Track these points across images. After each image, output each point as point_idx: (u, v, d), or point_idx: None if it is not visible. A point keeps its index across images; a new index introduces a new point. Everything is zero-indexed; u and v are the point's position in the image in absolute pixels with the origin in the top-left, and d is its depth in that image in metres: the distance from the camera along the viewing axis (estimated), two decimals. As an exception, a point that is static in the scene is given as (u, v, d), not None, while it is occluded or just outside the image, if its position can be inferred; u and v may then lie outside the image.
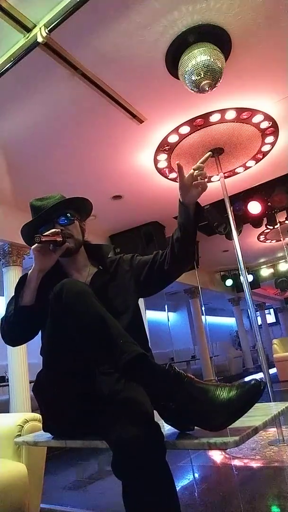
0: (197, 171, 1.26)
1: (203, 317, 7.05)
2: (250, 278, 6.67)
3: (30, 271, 1.24)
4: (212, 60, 2.09)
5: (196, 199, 1.28)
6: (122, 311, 1.27)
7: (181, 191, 1.27)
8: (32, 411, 2.64)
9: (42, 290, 1.23)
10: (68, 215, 1.36)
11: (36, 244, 1.20)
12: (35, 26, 1.94)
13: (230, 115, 2.79)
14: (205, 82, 2.12)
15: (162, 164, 3.32)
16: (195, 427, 1.01)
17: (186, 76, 2.16)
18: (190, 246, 1.32)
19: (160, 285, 1.40)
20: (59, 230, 1.27)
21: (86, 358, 1.08)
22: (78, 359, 1.09)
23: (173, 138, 2.98)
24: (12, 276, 3.67)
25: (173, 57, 2.20)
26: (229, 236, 4.32)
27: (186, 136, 2.97)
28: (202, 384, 0.97)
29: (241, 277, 3.02)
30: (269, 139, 3.18)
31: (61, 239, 1.25)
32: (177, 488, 0.97)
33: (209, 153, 1.36)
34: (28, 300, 1.21)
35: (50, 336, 1.15)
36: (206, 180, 1.27)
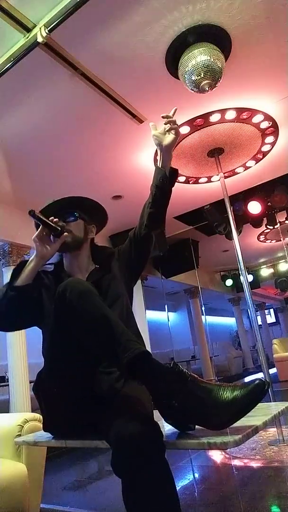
0: (166, 120, 1.38)
1: (203, 317, 7.04)
2: (250, 278, 6.67)
3: (31, 257, 1.30)
4: (212, 60, 2.09)
5: (173, 145, 1.39)
6: (115, 305, 1.29)
7: (158, 144, 1.38)
8: (32, 411, 2.64)
9: (41, 286, 1.29)
10: (75, 213, 1.41)
11: (37, 233, 1.28)
12: (35, 26, 1.94)
13: (230, 115, 2.79)
14: (205, 82, 2.12)
15: (162, 164, 3.31)
16: (195, 427, 1.01)
17: (186, 76, 2.16)
18: (163, 208, 1.41)
19: (141, 261, 1.46)
20: (58, 220, 1.33)
21: (88, 357, 1.08)
22: (80, 358, 1.09)
23: (173, 138, 2.98)
24: (12, 276, 3.67)
25: (173, 57, 2.20)
26: (229, 236, 4.32)
27: (186, 136, 2.97)
28: (206, 383, 0.98)
29: (241, 277, 3.02)
30: (269, 139, 3.18)
31: (59, 229, 1.30)
32: (177, 488, 0.97)
33: (175, 108, 1.46)
34: (22, 281, 1.25)
35: (53, 335, 1.16)
36: (176, 126, 1.38)
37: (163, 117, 1.39)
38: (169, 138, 1.38)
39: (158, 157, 1.42)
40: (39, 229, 1.29)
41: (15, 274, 1.27)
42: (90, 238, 1.47)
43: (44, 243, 1.29)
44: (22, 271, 1.27)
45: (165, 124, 1.39)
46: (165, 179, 1.37)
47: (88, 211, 1.47)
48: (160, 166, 1.40)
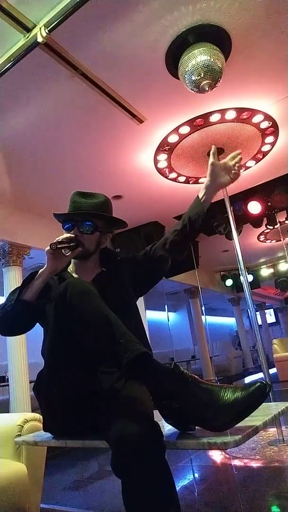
0: (237, 164, 1.31)
1: (203, 317, 7.05)
2: (250, 278, 6.67)
3: (41, 269, 1.28)
4: (212, 60, 2.09)
5: (225, 186, 1.35)
6: (123, 312, 1.26)
7: (211, 176, 1.33)
8: (32, 411, 2.64)
9: (48, 288, 1.28)
10: (90, 225, 1.36)
11: (49, 248, 1.25)
12: (35, 26, 1.94)
13: (230, 115, 2.79)
14: (205, 82, 2.12)
15: (162, 164, 3.32)
16: (195, 427, 1.01)
17: (186, 76, 2.16)
18: (189, 240, 1.38)
19: (152, 278, 1.45)
20: (73, 236, 1.32)
21: (88, 357, 1.08)
22: (80, 358, 1.09)
23: (173, 138, 2.98)
24: (12, 276, 3.67)
25: (173, 57, 2.20)
26: (229, 236, 4.32)
27: (186, 136, 2.97)
28: (207, 384, 0.98)
29: (241, 277, 3.02)
30: (269, 139, 3.18)
31: (74, 244, 1.30)
32: (177, 488, 0.97)
33: (239, 151, 1.39)
34: (29, 296, 1.24)
35: (54, 335, 1.16)
36: (239, 173, 1.33)
37: (237, 156, 1.34)
38: (226, 178, 1.34)
39: (204, 188, 1.36)
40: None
41: (24, 285, 1.26)
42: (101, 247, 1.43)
43: (56, 256, 1.27)
44: (31, 282, 1.26)
45: (233, 164, 1.33)
46: (201, 216, 1.32)
47: (108, 222, 1.43)
48: (201, 200, 1.34)
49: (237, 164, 1.34)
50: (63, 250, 1.27)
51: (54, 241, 1.24)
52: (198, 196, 1.36)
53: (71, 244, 1.29)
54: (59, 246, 1.24)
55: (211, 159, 1.33)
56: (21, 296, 1.23)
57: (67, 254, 1.29)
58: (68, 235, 1.31)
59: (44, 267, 1.27)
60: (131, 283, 1.40)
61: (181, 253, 1.42)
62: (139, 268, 1.42)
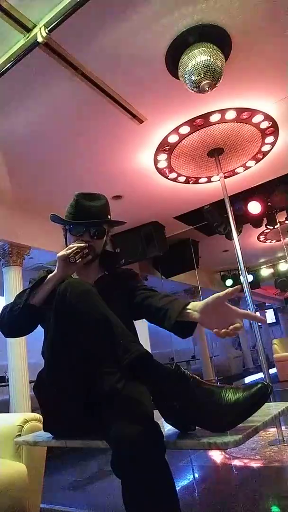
0: (236, 326, 1.02)
1: (203, 317, 7.03)
2: (250, 278, 6.67)
3: (51, 274, 1.29)
4: (212, 60, 2.09)
5: (206, 328, 1.08)
6: (121, 317, 1.22)
7: (208, 306, 1.07)
8: (32, 411, 2.64)
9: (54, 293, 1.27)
10: (101, 230, 1.38)
11: (64, 253, 1.26)
12: (35, 26, 1.94)
13: (230, 115, 2.79)
14: (205, 82, 2.12)
15: (162, 164, 3.32)
16: (196, 427, 1.01)
17: (186, 76, 2.16)
18: (151, 321, 1.29)
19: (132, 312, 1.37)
20: (86, 244, 1.32)
21: (88, 357, 1.08)
22: (80, 358, 1.09)
23: (173, 138, 2.98)
24: (12, 276, 3.66)
25: (173, 57, 2.20)
26: (229, 236, 4.32)
27: (186, 136, 2.97)
28: (208, 385, 0.98)
29: (241, 277, 3.02)
30: (269, 139, 3.18)
31: (88, 251, 1.31)
32: (177, 488, 0.97)
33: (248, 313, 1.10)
34: (38, 300, 1.25)
35: (54, 335, 1.16)
36: (236, 332, 1.03)
37: (234, 329, 1.03)
38: (214, 323, 1.06)
39: (193, 308, 1.11)
40: (68, 251, 1.27)
41: (33, 289, 1.26)
42: None
43: (68, 264, 1.27)
44: (40, 287, 1.27)
45: (232, 323, 1.03)
46: (170, 323, 1.13)
47: (111, 222, 1.45)
48: (184, 310, 1.12)
49: (232, 328, 1.03)
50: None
51: (71, 252, 1.26)
52: (189, 303, 1.13)
53: (85, 252, 1.30)
54: (77, 257, 1.26)
55: (224, 292, 1.05)
56: (29, 301, 1.24)
57: (78, 261, 1.29)
58: (82, 244, 1.31)
59: (54, 273, 1.28)
60: (127, 296, 1.38)
61: (141, 318, 1.34)
62: (128, 290, 1.38)
